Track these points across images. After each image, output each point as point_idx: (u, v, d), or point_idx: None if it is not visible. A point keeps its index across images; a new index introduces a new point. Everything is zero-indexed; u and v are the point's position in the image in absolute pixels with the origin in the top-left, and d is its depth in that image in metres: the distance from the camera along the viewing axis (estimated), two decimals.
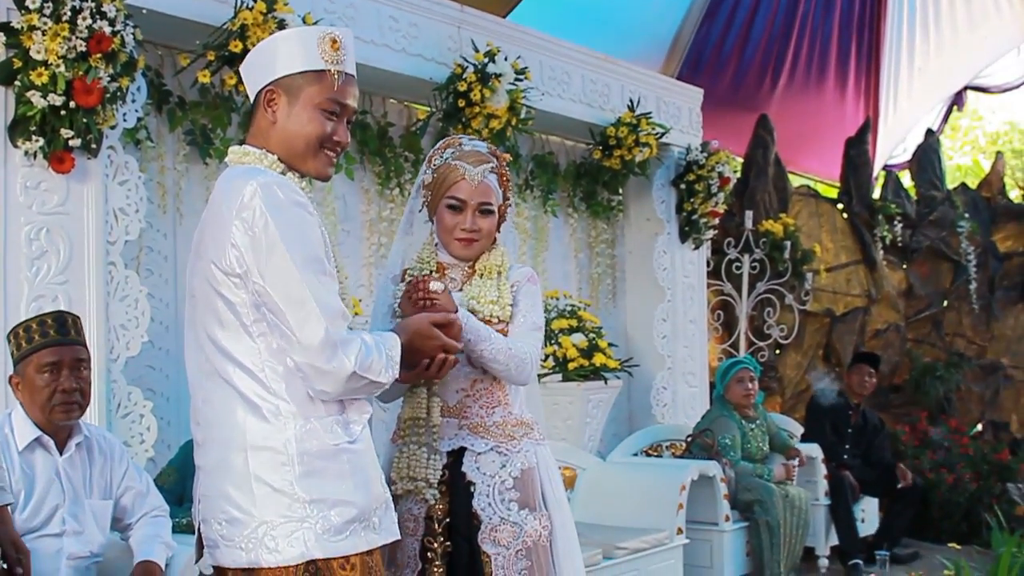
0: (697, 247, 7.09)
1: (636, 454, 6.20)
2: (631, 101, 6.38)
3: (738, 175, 8.19)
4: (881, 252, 9.28)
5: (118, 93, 3.80)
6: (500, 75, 5.19)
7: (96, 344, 3.77)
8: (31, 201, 3.74)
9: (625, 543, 5.00)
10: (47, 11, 3.56)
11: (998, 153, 11.42)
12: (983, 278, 9.51)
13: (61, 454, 3.10)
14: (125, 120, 4.01)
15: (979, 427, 9.11)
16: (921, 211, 9.69)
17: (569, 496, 4.28)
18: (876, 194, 9.70)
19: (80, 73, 3.61)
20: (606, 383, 5.77)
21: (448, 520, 2.77)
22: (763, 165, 8.69)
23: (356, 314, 4.39)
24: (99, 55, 3.62)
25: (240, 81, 4.01)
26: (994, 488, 7.78)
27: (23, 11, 3.57)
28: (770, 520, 5.81)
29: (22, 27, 3.57)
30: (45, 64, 3.58)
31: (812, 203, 9.14)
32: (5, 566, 2.78)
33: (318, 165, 2.35)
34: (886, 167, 10.88)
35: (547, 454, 2.90)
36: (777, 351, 8.41)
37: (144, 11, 3.98)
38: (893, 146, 11.25)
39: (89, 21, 3.58)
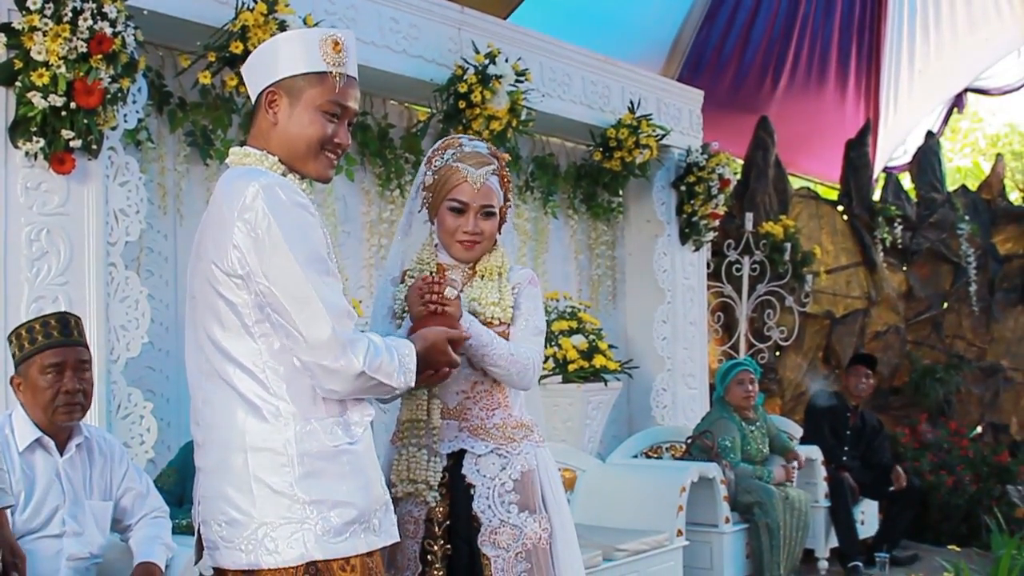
0: (697, 249, 7.09)
1: (636, 456, 6.19)
2: (631, 103, 6.38)
3: (738, 177, 8.20)
4: (881, 254, 9.28)
5: (119, 94, 3.80)
6: (501, 76, 5.19)
7: (96, 345, 3.76)
8: (32, 202, 3.74)
9: (625, 545, 5.00)
10: (48, 12, 3.56)
11: (998, 155, 11.42)
12: (983, 280, 9.51)
13: (61, 455, 3.09)
14: (126, 121, 4.01)
15: (979, 429, 9.10)
16: (921, 213, 9.69)
17: (569, 498, 4.28)
18: (876, 196, 9.70)
19: (81, 74, 3.61)
20: (606, 385, 5.77)
21: (448, 523, 2.77)
22: (763, 167, 8.69)
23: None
24: (100, 56, 3.62)
25: (241, 82, 4.02)
26: (994, 490, 7.78)
27: (24, 12, 3.57)
28: (770, 522, 5.81)
29: (23, 28, 3.57)
30: (46, 65, 3.58)
31: (812, 205, 9.14)
32: (1, 570, 2.78)
33: (319, 167, 2.35)
34: (886, 169, 10.88)
35: (547, 456, 2.90)
36: (777, 353, 8.42)
37: (145, 12, 3.98)
38: (893, 148, 11.25)
39: (90, 22, 3.58)
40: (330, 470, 2.20)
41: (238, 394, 2.21)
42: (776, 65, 9.64)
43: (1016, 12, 10.51)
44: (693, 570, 5.55)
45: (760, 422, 6.38)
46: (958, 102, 11.60)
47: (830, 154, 9.99)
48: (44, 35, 3.56)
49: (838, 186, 9.76)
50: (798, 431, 7.04)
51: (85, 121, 3.69)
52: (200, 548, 2.33)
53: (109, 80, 3.69)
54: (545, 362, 5.52)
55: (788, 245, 8.05)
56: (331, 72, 2.31)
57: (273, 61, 2.33)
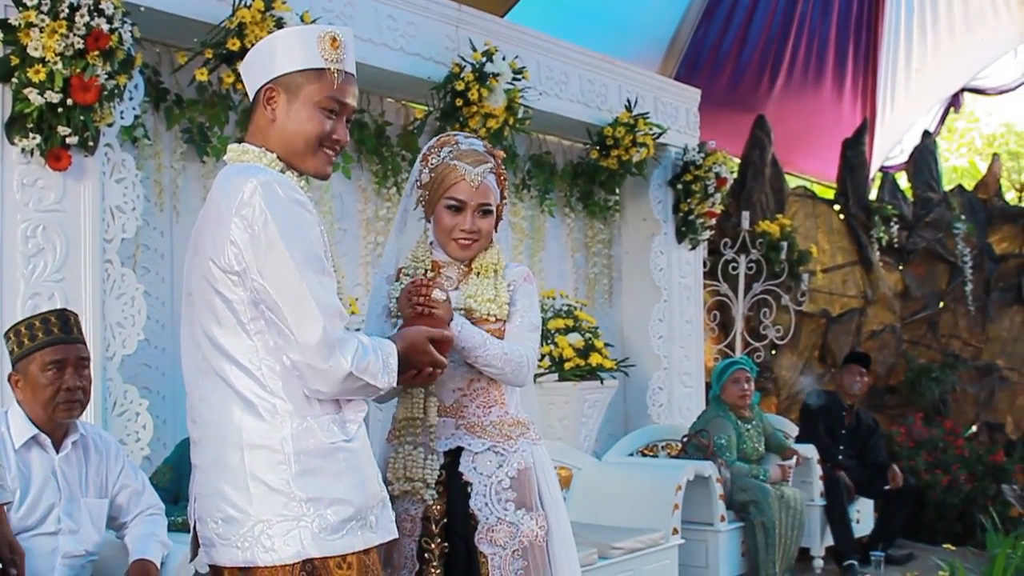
0: (694, 247, 7.09)
1: (632, 454, 6.20)
2: (628, 101, 6.38)
3: (735, 176, 8.19)
4: (877, 253, 9.29)
5: (115, 91, 3.79)
6: (498, 74, 5.19)
7: (92, 342, 3.75)
8: (28, 198, 3.73)
9: (621, 543, 5.01)
10: (45, 8, 3.55)
11: (994, 155, 11.43)
12: (979, 280, 9.53)
13: (57, 452, 3.09)
14: (122, 118, 4.00)
15: (974, 428, 9.11)
16: (917, 212, 9.69)
17: (565, 496, 4.28)
18: (873, 195, 9.71)
19: (77, 70, 3.60)
20: (602, 383, 5.77)
21: (445, 520, 2.77)
22: (760, 166, 8.69)
23: (352, 313, 4.39)
24: (97, 52, 3.62)
25: (238, 79, 4.01)
26: (989, 489, 7.79)
27: (21, 8, 3.57)
28: (765, 521, 5.81)
29: (19, 24, 3.56)
30: (42, 61, 3.57)
31: (809, 204, 9.15)
32: (0, 567, 2.78)
33: (317, 164, 2.35)
34: (883, 168, 10.88)
35: (543, 454, 2.90)
36: (773, 352, 8.42)
37: (142, 8, 3.97)
38: (890, 147, 11.26)
39: (87, 18, 3.58)
40: (326, 468, 2.19)
41: (234, 391, 2.21)
42: (773, 64, 9.64)
43: (1013, 12, 10.52)
44: (689, 568, 5.55)
45: (756, 421, 6.38)
46: (955, 102, 11.61)
47: (827, 153, 9.99)
48: (41, 31, 3.55)
49: (834, 185, 9.77)
50: (794, 430, 7.05)
51: (81, 118, 3.68)
52: (196, 545, 2.33)
53: (106, 77, 3.69)
54: (541, 360, 5.53)
55: (784, 244, 8.06)
56: (329, 69, 2.31)
57: (271, 58, 2.32)
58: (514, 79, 5.31)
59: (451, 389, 2.81)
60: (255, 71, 2.36)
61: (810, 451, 6.69)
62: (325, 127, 2.32)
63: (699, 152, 6.83)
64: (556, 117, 6.09)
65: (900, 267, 9.57)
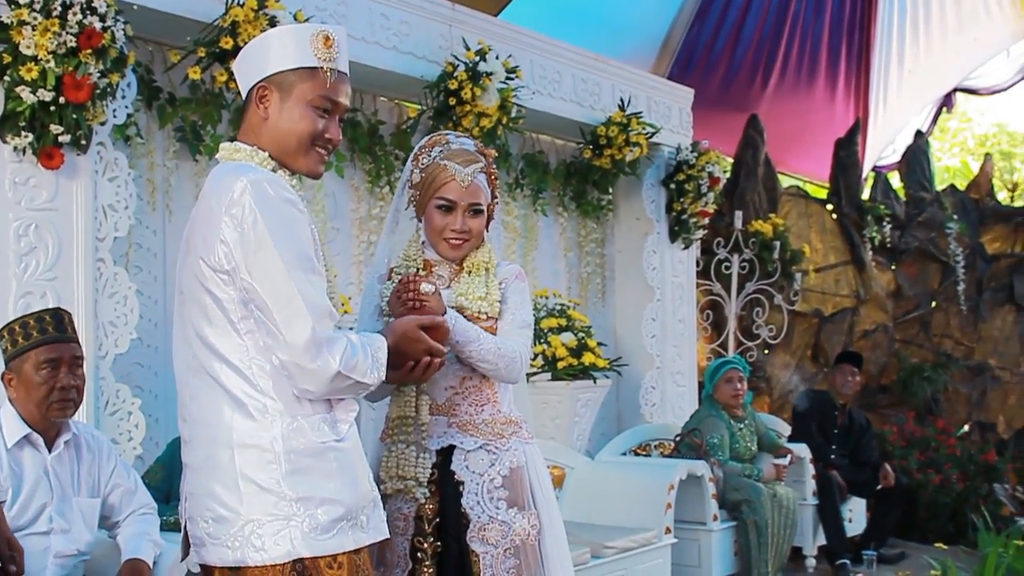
0: (687, 247, 7.10)
1: (625, 453, 6.20)
2: (622, 100, 6.38)
3: (728, 175, 8.21)
4: (870, 253, 9.31)
5: (108, 89, 3.79)
6: (491, 73, 5.18)
7: (85, 341, 3.73)
8: (20, 197, 3.72)
9: (613, 542, 5.01)
10: (37, 6, 3.55)
11: (987, 155, 11.46)
12: (971, 279, 9.55)
13: (50, 452, 3.08)
14: (115, 116, 3.99)
15: (966, 428, 9.14)
16: (910, 212, 9.71)
17: (557, 495, 4.28)
18: (865, 195, 9.73)
19: (70, 69, 3.60)
20: (595, 382, 5.77)
21: (438, 519, 2.77)
22: (753, 165, 8.70)
23: (345, 312, 4.39)
24: (89, 51, 3.61)
25: (231, 78, 4.01)
26: (981, 489, 7.81)
27: (13, 6, 3.56)
28: (758, 520, 5.82)
29: (12, 22, 3.56)
30: (35, 59, 3.56)
31: (801, 203, 9.16)
32: None
33: (310, 162, 2.35)
34: (875, 168, 10.91)
35: (536, 453, 2.90)
36: (766, 351, 8.43)
37: (135, 7, 3.96)
38: (882, 147, 11.28)
39: (79, 17, 3.57)
40: (317, 467, 2.19)
41: (225, 390, 2.20)
42: (766, 64, 9.65)
43: (1005, 12, 10.54)
44: (681, 567, 5.56)
45: (749, 420, 6.39)
46: (947, 102, 11.64)
47: (819, 153, 10.01)
48: (33, 29, 3.54)
49: (827, 185, 9.78)
50: (786, 429, 7.05)
51: (74, 116, 3.67)
52: (187, 545, 2.33)
53: (98, 75, 3.68)
54: (534, 359, 5.53)
55: (777, 243, 8.07)
56: (322, 67, 2.31)
57: (264, 56, 2.32)
58: (507, 78, 5.31)
59: (443, 387, 2.81)
60: (248, 69, 2.36)
61: (802, 451, 6.69)
62: (318, 126, 2.32)
63: (692, 151, 6.84)
64: (549, 116, 6.09)
65: (892, 267, 9.59)
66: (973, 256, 9.62)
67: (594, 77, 6.35)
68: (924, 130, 11.06)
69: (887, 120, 10.88)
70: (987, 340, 9.53)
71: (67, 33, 3.56)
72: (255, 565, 2.16)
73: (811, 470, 6.73)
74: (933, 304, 9.59)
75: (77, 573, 3.14)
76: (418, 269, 2.84)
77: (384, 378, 2.31)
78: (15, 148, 3.67)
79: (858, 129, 9.90)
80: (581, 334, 5.76)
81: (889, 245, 9.45)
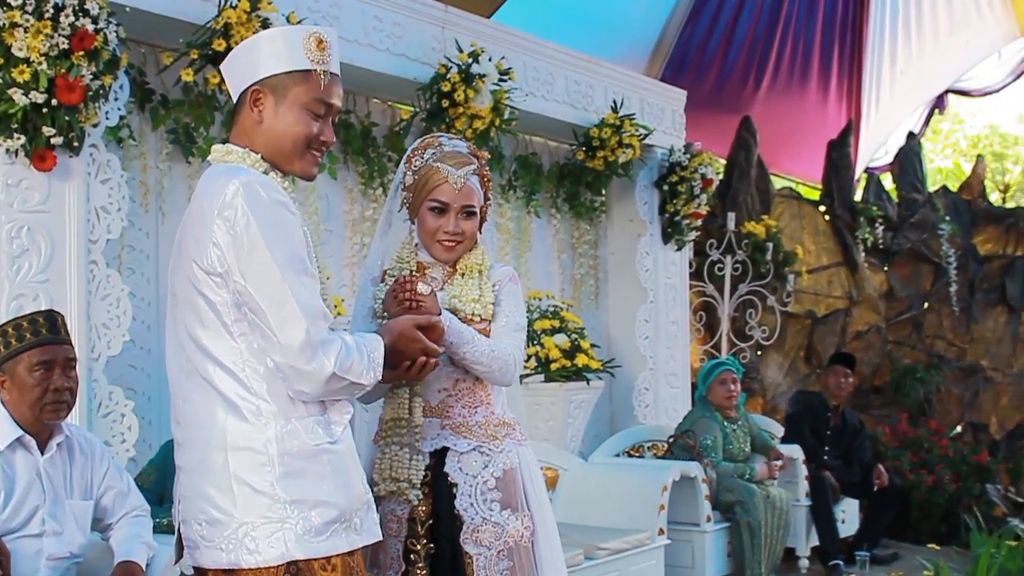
0: (680, 248, 7.10)
1: (618, 455, 6.21)
2: (615, 102, 6.39)
3: (721, 177, 8.21)
4: (862, 254, 9.33)
5: (100, 91, 3.78)
6: (484, 75, 5.19)
7: (77, 343, 3.71)
8: (12, 199, 3.71)
9: (607, 544, 5.01)
10: (29, 8, 3.54)
11: (979, 156, 11.50)
12: (963, 280, 9.57)
13: (42, 454, 3.08)
14: (107, 118, 3.99)
15: (959, 428, 9.16)
16: (902, 213, 9.73)
17: (551, 497, 4.29)
18: (858, 196, 9.75)
19: (62, 71, 3.59)
20: (588, 384, 5.78)
21: (431, 521, 2.77)
22: (746, 167, 8.71)
23: (339, 314, 4.38)
24: (82, 53, 3.60)
25: (224, 80, 4.00)
26: (973, 489, 7.83)
27: (5, 8, 3.54)
28: (751, 521, 5.83)
29: (4, 24, 3.54)
30: (27, 61, 3.55)
31: (794, 205, 9.17)
32: None
33: (304, 165, 2.35)
34: (868, 169, 10.93)
35: (529, 454, 2.90)
36: (759, 352, 8.44)
37: (127, 9, 3.96)
38: (875, 149, 11.31)
39: (72, 19, 3.56)
40: (311, 470, 2.19)
41: (218, 393, 2.20)
42: (759, 65, 9.67)
43: (997, 14, 10.57)
44: (674, 569, 5.56)
45: (742, 421, 6.40)
46: (939, 103, 11.66)
47: (812, 154, 10.03)
48: (25, 31, 3.53)
49: (820, 186, 9.80)
50: (779, 430, 7.07)
51: (66, 118, 3.67)
52: (180, 547, 2.32)
53: (91, 77, 3.67)
54: (527, 361, 5.53)
55: (770, 245, 8.08)
56: (316, 70, 2.30)
57: (255, 59, 2.32)
58: (500, 80, 5.31)
59: (437, 389, 2.81)
60: (239, 71, 2.36)
61: (795, 452, 6.71)
62: (312, 129, 2.32)
63: (685, 153, 6.85)
64: (542, 118, 6.09)
65: (885, 268, 9.61)
66: (965, 257, 9.64)
67: (587, 79, 6.36)
68: (916, 132, 11.08)
69: (879, 122, 10.90)
70: (979, 341, 9.56)
71: (59, 35, 3.56)
72: (249, 568, 2.16)
73: (804, 471, 6.75)
74: (925, 305, 9.61)
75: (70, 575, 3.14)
76: (411, 271, 2.84)
77: (380, 378, 2.31)
78: (7, 150, 3.66)
79: (850, 131, 9.92)
80: (574, 335, 5.77)
81: (882, 246, 9.47)
